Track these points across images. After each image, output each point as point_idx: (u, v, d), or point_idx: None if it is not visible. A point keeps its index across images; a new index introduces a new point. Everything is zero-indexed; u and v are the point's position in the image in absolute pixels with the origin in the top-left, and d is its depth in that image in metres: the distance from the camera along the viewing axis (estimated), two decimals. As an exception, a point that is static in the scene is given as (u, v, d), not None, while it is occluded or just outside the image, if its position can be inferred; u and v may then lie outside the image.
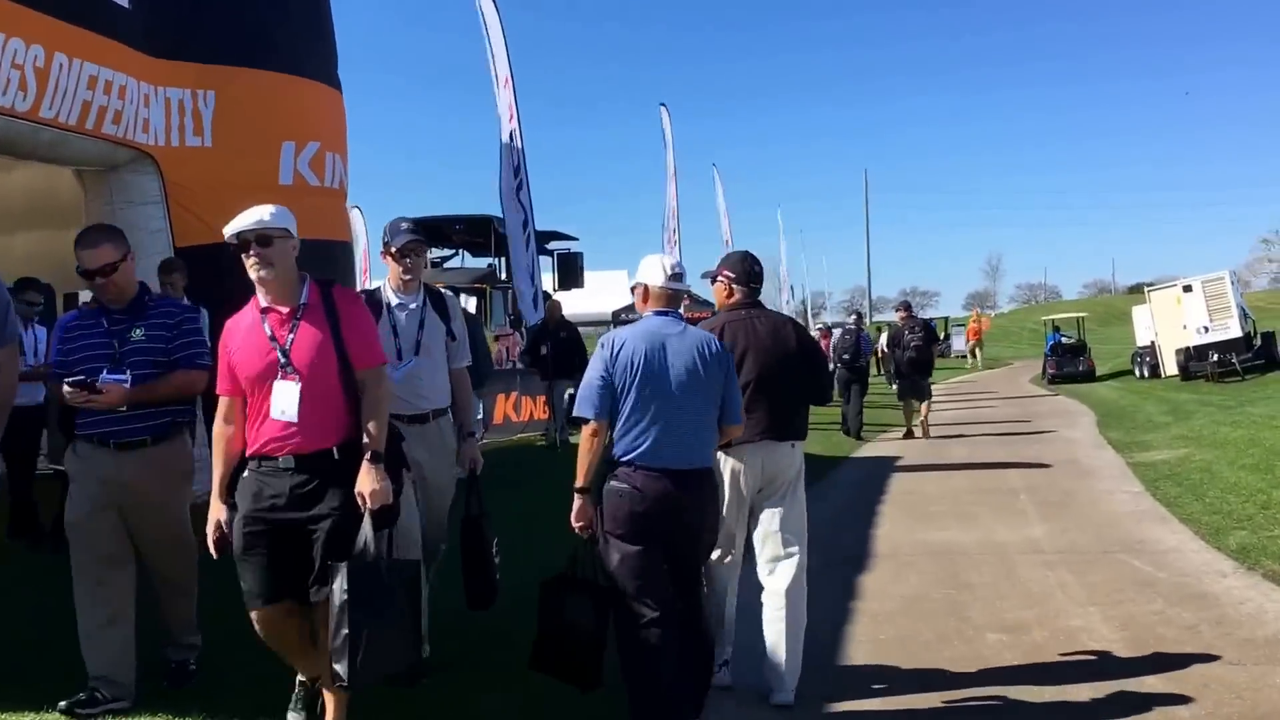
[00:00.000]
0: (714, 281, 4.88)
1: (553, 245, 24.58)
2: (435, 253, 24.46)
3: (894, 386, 24.68)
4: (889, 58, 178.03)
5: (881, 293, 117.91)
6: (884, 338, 29.44)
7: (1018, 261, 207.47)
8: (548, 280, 25.08)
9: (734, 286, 4.79)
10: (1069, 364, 30.98)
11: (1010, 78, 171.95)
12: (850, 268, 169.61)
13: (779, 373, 4.62)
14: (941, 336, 42.17)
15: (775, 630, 4.57)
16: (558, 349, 13.38)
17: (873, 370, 25.17)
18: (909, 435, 16.11)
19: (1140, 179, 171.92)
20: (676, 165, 22.70)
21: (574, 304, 40.22)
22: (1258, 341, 25.17)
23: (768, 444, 4.59)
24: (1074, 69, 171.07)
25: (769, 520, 4.67)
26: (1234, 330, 24.61)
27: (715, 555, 4.57)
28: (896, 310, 17.52)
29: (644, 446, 4.04)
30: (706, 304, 36.83)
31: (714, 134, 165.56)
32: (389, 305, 4.90)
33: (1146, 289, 28.60)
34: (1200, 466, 10.91)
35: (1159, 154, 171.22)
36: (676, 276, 4.29)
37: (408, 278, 4.94)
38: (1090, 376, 30.36)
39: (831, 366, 28.80)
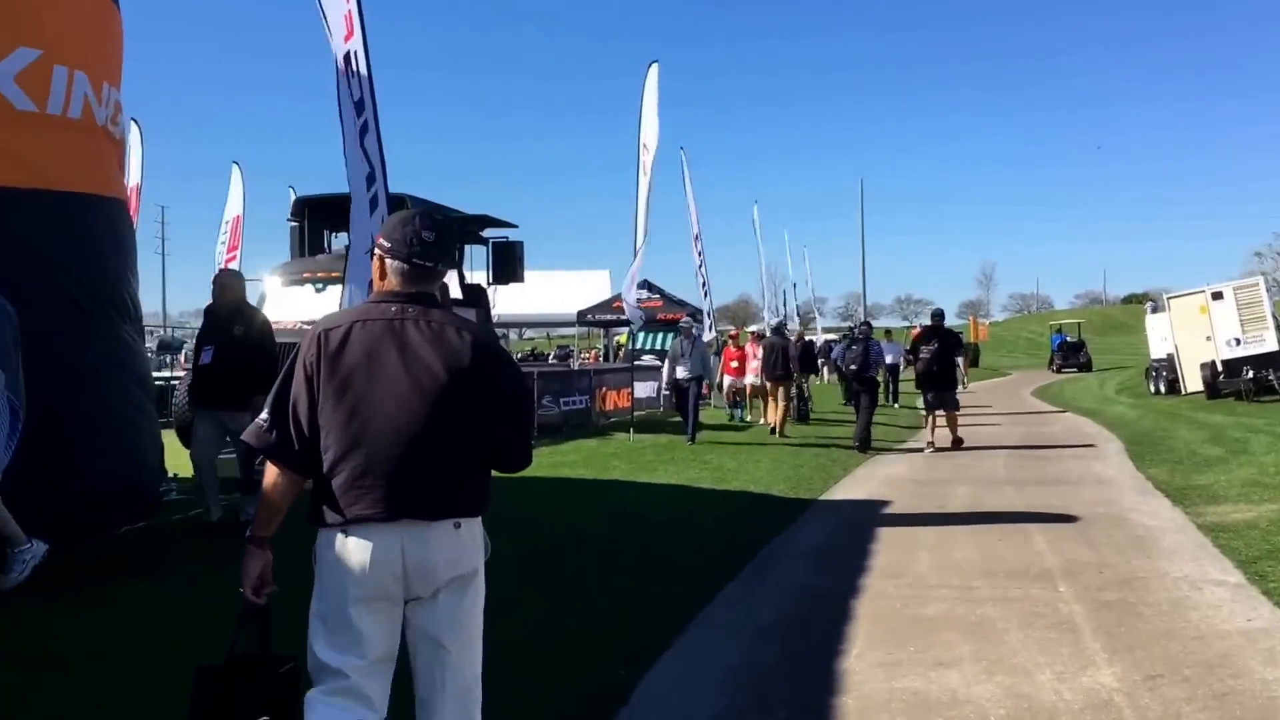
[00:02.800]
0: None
1: (488, 233, 21.32)
2: (343, 240, 20.88)
3: (848, 404, 22.39)
4: (882, 74, 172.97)
5: (876, 299, 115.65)
6: (835, 348, 26.27)
7: (1010, 271, 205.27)
8: (481, 273, 21.81)
9: (386, 262, 3.07)
10: (1072, 357, 41.86)
11: (1004, 90, 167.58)
12: (845, 275, 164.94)
13: (435, 410, 2.95)
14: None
15: None
16: (229, 356, 8.04)
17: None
18: (931, 446, 15.42)
19: (1131, 194, 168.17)
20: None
21: (530, 302, 36.95)
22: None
23: (408, 526, 2.91)
24: (1067, 85, 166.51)
25: (424, 654, 3.00)
26: (1270, 343, 21.34)
27: None
28: (932, 319, 16.75)
29: None
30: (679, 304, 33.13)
31: (710, 145, 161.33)
32: None
33: (1165, 296, 25.11)
34: (1313, 537, 7.55)
35: (1151, 169, 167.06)
36: None
37: None
38: (1088, 367, 40.83)
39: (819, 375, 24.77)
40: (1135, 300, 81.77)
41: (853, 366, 16.03)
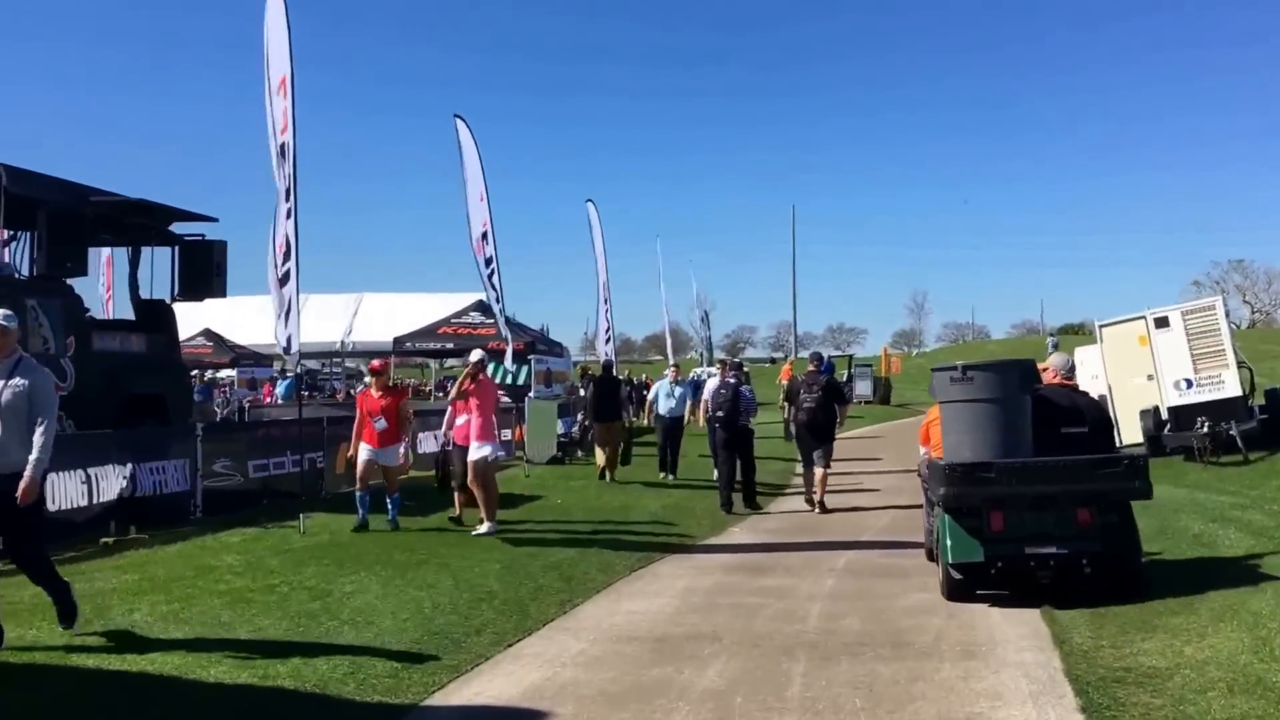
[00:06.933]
0: None
1: (178, 227, 15.00)
2: None
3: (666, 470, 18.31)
4: (815, 101, 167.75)
5: (808, 329, 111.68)
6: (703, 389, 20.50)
7: (944, 301, 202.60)
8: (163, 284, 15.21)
9: None
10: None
11: (933, 119, 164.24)
12: (776, 304, 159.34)
13: None
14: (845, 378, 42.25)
15: None
16: None
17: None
18: (810, 503, 13.51)
19: (1067, 222, 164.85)
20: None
21: (254, 328, 26.40)
22: (1257, 400, 17.12)
23: None
24: (1000, 114, 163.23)
25: None
26: (1231, 386, 16.47)
27: None
28: (813, 362, 14.46)
29: None
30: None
31: (634, 178, 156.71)
32: None
33: (1098, 325, 19.87)
34: None
35: (1086, 197, 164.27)
36: None
37: None
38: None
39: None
40: (1071, 331, 77.95)
41: (719, 413, 13.61)
